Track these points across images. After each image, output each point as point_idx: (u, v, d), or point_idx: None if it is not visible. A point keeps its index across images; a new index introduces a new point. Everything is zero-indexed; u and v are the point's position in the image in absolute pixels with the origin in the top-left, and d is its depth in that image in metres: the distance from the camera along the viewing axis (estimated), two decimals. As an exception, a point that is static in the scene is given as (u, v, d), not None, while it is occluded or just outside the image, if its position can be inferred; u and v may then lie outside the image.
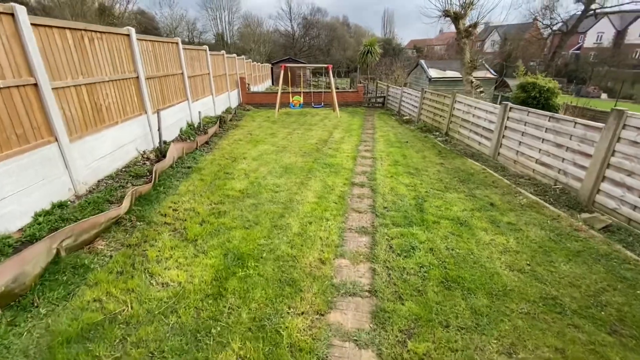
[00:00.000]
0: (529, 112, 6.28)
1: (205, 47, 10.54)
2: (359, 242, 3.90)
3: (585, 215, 4.60)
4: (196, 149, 7.53)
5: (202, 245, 3.73)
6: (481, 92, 9.96)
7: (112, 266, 3.34)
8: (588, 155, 4.92)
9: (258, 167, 6.53)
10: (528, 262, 3.57)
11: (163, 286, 3.09)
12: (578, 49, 53.14)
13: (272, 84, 36.57)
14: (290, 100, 13.31)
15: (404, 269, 3.39)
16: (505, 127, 6.92)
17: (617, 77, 37.67)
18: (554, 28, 46.71)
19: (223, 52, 12.98)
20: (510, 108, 6.78)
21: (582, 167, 5.03)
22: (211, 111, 11.05)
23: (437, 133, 9.98)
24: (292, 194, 5.20)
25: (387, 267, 3.43)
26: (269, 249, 3.67)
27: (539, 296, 3.08)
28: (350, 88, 27.11)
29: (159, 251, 3.61)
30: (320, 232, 4.07)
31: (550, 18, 46.48)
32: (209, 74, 10.78)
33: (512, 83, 17.74)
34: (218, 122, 9.85)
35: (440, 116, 10.08)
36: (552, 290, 3.16)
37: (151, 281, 3.15)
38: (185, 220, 4.32)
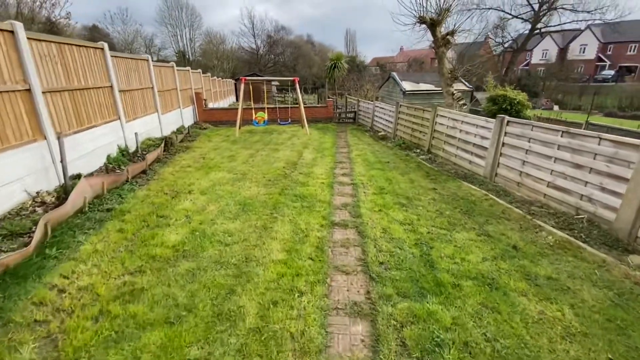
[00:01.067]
0: (533, 126, 5.34)
1: (147, 56, 8.89)
2: (353, 338, 2.48)
3: (636, 259, 3.54)
4: (127, 181, 5.81)
5: (84, 374, 2.12)
6: (463, 104, 9.18)
7: None
8: (623, 179, 3.94)
9: (206, 204, 4.96)
10: (610, 356, 2.34)
11: None
12: (527, 65, 57.13)
13: (236, 100, 35.03)
14: (254, 117, 11.87)
15: (436, 397, 2.01)
16: (503, 143, 5.96)
17: (566, 90, 40.37)
18: (505, 46, 49.87)
19: (172, 63, 11.35)
20: (508, 122, 5.85)
21: (615, 194, 4.04)
22: (156, 131, 9.30)
23: (419, 150, 8.98)
24: (249, 248, 3.70)
25: (406, 394, 2.03)
26: (203, 373, 2.14)
27: None
28: (318, 104, 26.23)
29: (-6, 397, 1.96)
30: (290, 321, 2.60)
31: (502, 36, 49.61)
32: (152, 87, 9.10)
33: (480, 96, 17.62)
34: (163, 145, 8.15)
35: (420, 132, 9.12)
36: (672, 417, 1.92)
37: None
38: (73, 312, 2.67)
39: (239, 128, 12.58)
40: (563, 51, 56.40)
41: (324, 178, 6.43)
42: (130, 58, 7.92)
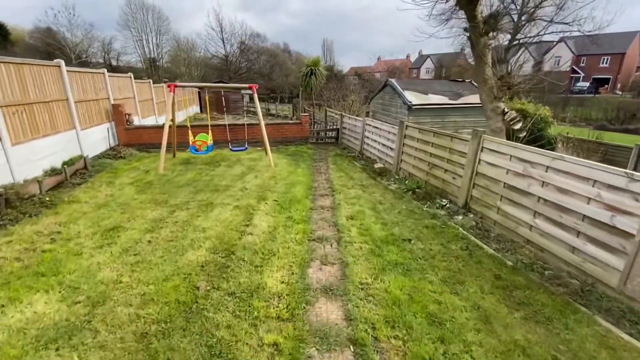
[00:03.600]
0: None
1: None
2: None
3: None
4: None
5: None
6: (520, 129, 5.88)
7: None
8: None
9: None
10: None
11: None
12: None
13: (201, 111, 30.78)
14: (191, 142, 8.01)
15: None
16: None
17: (550, 102, 39.28)
18: (486, 56, 48.87)
19: (60, 61, 7.39)
20: None
21: None
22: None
23: (447, 202, 5.52)
24: None
25: None
26: None
27: None
28: (292, 117, 22.65)
29: None
30: None
31: (482, 46, 48.56)
32: (-16, 99, 5.12)
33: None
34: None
35: (447, 171, 5.69)
36: None
37: None
38: None
39: (173, 155, 8.73)
40: (538, 63, 56.53)
41: (282, 311, 2.75)
42: None
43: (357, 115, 12.43)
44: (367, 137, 9.42)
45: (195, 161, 8.35)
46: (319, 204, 5.55)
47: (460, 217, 4.96)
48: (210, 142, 8.11)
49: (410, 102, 8.64)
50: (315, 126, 12.95)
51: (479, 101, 9.34)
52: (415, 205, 5.48)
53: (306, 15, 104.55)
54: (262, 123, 8.18)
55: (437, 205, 5.48)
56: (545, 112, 11.32)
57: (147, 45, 47.78)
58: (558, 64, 54.19)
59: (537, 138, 11.39)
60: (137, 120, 11.99)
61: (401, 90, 9.14)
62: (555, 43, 53.07)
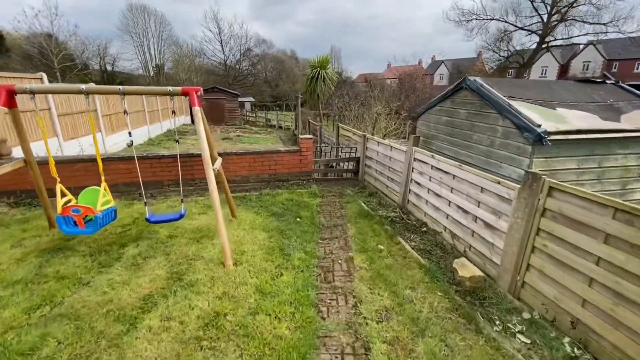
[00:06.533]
0: None
1: None
2: None
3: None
4: None
5: None
6: None
7: None
8: None
9: None
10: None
11: None
12: (526, 82, 52.14)
13: (192, 122, 26.87)
14: (60, 209, 3.74)
15: None
16: None
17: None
18: (511, 60, 44.42)
19: None
20: None
21: None
22: None
23: None
24: None
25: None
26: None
27: None
28: (294, 130, 18.46)
29: None
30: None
31: (507, 50, 44.10)
32: None
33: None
34: None
35: None
36: None
37: None
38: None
39: (50, 226, 4.51)
40: (564, 68, 51.97)
41: None
42: None
43: (384, 137, 8.12)
44: (418, 184, 5.09)
45: (79, 245, 4.07)
46: None
47: None
48: (102, 207, 3.82)
49: (537, 126, 3.89)
50: (323, 151, 8.70)
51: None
52: None
53: (314, 23, 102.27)
54: (209, 160, 3.84)
55: None
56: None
57: (149, 51, 44.55)
58: (586, 69, 49.37)
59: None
60: (54, 144, 7.88)
61: (506, 101, 4.33)
62: (584, 47, 48.43)
